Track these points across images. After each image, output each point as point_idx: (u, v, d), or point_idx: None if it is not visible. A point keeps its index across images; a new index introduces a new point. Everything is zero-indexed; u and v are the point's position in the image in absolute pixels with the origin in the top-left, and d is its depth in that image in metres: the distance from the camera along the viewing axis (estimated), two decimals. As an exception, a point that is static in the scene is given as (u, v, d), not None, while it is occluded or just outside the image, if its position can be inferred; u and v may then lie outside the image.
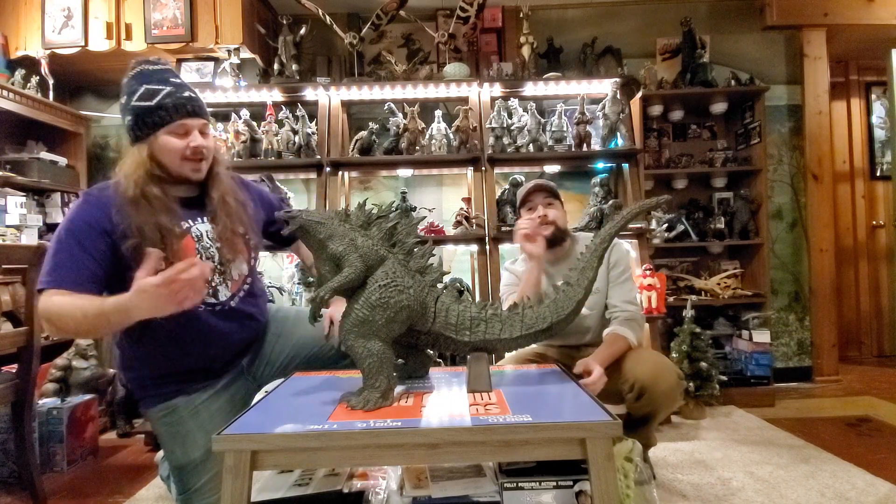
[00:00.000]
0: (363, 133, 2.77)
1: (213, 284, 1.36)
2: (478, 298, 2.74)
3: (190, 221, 1.35)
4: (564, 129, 2.78)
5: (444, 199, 3.23)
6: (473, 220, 2.75)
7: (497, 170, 2.92)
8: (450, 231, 2.78)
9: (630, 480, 1.35)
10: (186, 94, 1.29)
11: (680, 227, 3.08)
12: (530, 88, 2.91)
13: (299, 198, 3.14)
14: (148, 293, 1.06)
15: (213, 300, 1.37)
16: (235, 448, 0.96)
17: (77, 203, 1.30)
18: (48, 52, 2.79)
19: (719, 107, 3.11)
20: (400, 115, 2.75)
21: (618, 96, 2.78)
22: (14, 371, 1.86)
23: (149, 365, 1.37)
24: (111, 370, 2.74)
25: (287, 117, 2.81)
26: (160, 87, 1.26)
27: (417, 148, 2.75)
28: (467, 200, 2.85)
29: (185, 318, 1.22)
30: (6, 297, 2.02)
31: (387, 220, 1.18)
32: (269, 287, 2.57)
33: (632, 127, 2.91)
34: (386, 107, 2.75)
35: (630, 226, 1.15)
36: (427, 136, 2.79)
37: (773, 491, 1.77)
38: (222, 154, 1.46)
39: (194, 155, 1.29)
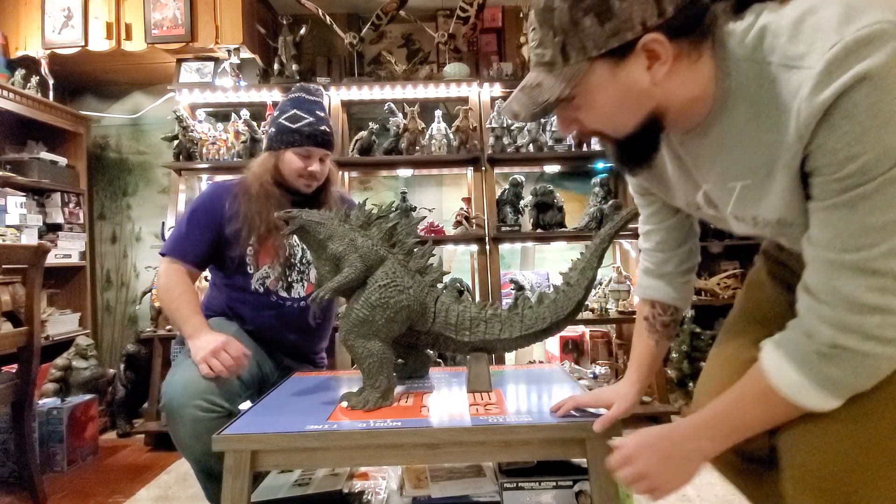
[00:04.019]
0: (363, 133, 2.77)
1: (290, 280, 1.56)
2: (478, 298, 2.74)
3: None
4: (564, 129, 2.78)
5: (444, 199, 3.23)
6: (473, 220, 2.75)
7: (497, 170, 2.92)
8: (450, 231, 2.78)
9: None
10: (322, 127, 1.53)
11: (680, 227, 3.08)
12: (530, 88, 2.91)
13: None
14: (202, 349, 1.29)
15: (285, 294, 1.55)
16: (235, 448, 0.96)
17: (205, 191, 1.57)
18: (48, 52, 2.78)
19: (719, 107, 3.11)
20: (400, 115, 2.74)
21: (618, 96, 2.78)
22: (14, 371, 1.86)
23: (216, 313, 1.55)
24: (111, 370, 2.74)
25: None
26: (305, 116, 1.51)
27: (417, 148, 2.75)
28: (467, 200, 2.85)
29: (261, 302, 1.51)
30: (6, 297, 2.01)
31: (387, 220, 1.19)
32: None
33: (632, 127, 2.91)
34: (386, 107, 2.75)
35: (630, 226, 1.15)
36: (427, 136, 2.79)
37: (773, 491, 1.77)
38: (336, 176, 1.70)
39: (309, 176, 1.53)
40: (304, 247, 1.59)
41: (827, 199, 0.62)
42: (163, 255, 1.50)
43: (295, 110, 1.52)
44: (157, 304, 2.63)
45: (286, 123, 1.51)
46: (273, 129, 1.55)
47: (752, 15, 0.66)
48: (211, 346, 1.28)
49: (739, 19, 0.67)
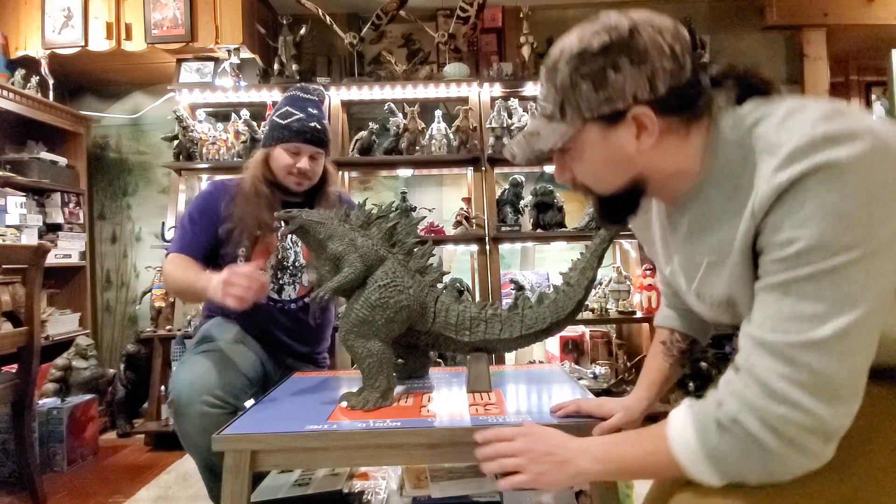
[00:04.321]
0: (363, 133, 2.77)
1: (281, 283, 1.56)
2: (478, 298, 2.74)
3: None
4: (564, 129, 2.78)
5: (444, 199, 3.23)
6: (473, 220, 2.75)
7: (497, 170, 2.92)
8: (450, 231, 2.78)
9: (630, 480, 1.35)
10: (312, 124, 1.51)
11: (680, 227, 3.08)
12: (530, 88, 2.90)
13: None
14: (216, 289, 1.23)
15: (276, 297, 1.55)
16: (235, 448, 0.96)
17: (204, 189, 1.60)
18: (48, 52, 2.78)
19: (719, 107, 3.11)
20: (400, 115, 2.74)
21: (618, 96, 2.78)
22: (14, 371, 1.86)
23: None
24: (111, 370, 2.74)
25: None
26: (297, 113, 1.51)
27: (417, 148, 2.75)
28: (467, 200, 2.85)
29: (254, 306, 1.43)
30: (6, 297, 2.01)
31: (386, 220, 1.19)
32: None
33: (632, 127, 2.91)
34: (386, 107, 2.75)
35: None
36: (427, 136, 2.79)
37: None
38: (334, 176, 1.69)
39: (298, 174, 1.51)
40: (297, 251, 1.59)
41: (767, 277, 0.63)
42: (168, 254, 1.52)
43: (287, 107, 1.53)
44: (157, 305, 2.63)
45: (277, 120, 1.52)
46: (266, 126, 1.57)
47: (753, 105, 0.69)
48: (222, 282, 1.22)
49: (739, 107, 0.70)
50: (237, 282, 1.21)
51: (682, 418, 0.68)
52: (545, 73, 0.74)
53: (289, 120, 1.50)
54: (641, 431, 0.75)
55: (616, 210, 0.79)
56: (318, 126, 1.53)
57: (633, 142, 0.70)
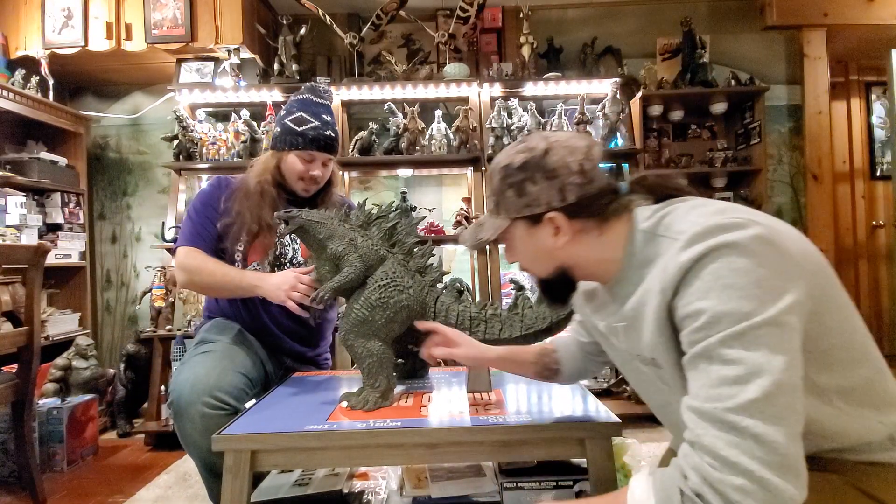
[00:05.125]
0: (363, 133, 2.77)
1: None
2: (478, 298, 2.74)
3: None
4: (565, 129, 2.78)
5: (444, 199, 3.23)
6: (473, 220, 2.75)
7: (497, 170, 2.92)
8: (450, 231, 2.78)
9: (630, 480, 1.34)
10: (327, 132, 1.53)
11: (680, 227, 3.07)
12: (530, 88, 2.91)
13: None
14: (279, 280, 1.33)
15: None
16: (235, 448, 0.96)
17: (207, 184, 1.61)
18: (48, 52, 2.78)
19: (719, 107, 3.11)
20: (400, 115, 2.74)
21: (618, 96, 2.78)
22: (14, 371, 1.86)
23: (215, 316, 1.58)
24: (111, 370, 2.74)
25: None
26: (312, 120, 1.51)
27: (417, 148, 2.75)
28: (467, 200, 2.85)
29: (248, 299, 1.50)
30: (6, 297, 2.01)
31: (386, 220, 1.19)
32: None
33: (632, 127, 2.91)
34: (386, 107, 2.75)
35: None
36: (427, 136, 2.79)
37: (773, 491, 1.77)
38: (338, 178, 1.72)
39: (309, 180, 1.54)
40: (295, 248, 1.58)
41: (690, 349, 0.68)
42: (178, 247, 1.51)
43: (301, 112, 1.51)
44: (157, 305, 2.63)
45: (291, 125, 1.50)
46: (278, 129, 1.54)
47: (665, 203, 0.80)
48: (288, 284, 1.32)
49: (655, 205, 0.81)
50: (301, 290, 1.31)
51: (644, 488, 0.69)
52: (488, 174, 0.88)
53: (304, 127, 1.49)
54: (597, 499, 0.80)
55: (555, 292, 0.91)
56: (332, 133, 1.54)
57: (552, 239, 0.82)
